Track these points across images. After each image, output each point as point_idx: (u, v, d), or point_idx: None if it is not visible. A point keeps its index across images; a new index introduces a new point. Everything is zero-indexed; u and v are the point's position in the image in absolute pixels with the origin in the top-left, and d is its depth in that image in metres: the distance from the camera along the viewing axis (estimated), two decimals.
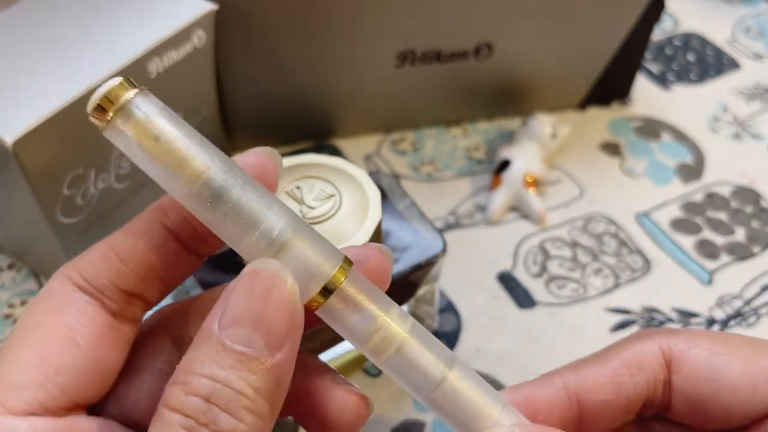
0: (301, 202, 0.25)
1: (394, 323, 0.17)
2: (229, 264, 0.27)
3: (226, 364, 0.15)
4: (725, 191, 0.40)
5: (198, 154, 0.16)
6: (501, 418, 0.17)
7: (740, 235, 0.38)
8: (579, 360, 0.21)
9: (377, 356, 0.17)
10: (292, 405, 0.18)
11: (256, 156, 0.18)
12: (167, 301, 0.20)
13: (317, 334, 0.27)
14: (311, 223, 0.25)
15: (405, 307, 0.30)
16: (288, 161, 0.27)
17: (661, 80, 0.47)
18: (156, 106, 0.16)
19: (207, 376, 0.15)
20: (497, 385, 0.31)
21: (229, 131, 0.39)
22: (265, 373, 0.15)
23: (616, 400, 0.20)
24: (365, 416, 0.18)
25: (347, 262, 0.17)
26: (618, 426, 0.20)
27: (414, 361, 0.17)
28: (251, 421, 0.15)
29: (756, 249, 0.37)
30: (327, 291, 0.16)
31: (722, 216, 0.38)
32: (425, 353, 0.17)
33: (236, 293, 0.15)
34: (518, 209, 0.38)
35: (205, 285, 0.26)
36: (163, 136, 0.16)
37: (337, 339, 0.28)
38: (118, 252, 0.17)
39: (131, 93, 0.16)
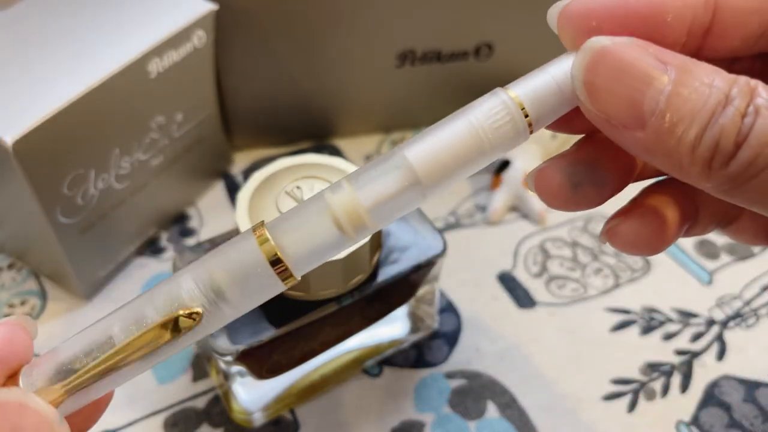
0: (301, 202, 0.25)
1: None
2: None
3: None
4: None
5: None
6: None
7: None
8: None
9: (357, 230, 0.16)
10: None
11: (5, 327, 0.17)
12: None
13: (317, 334, 0.27)
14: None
15: (405, 307, 0.30)
16: (288, 161, 0.27)
17: None
18: None
19: None
20: (497, 385, 0.31)
21: (229, 131, 0.39)
22: None
23: (760, 6, 0.17)
24: None
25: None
26: (748, 46, 0.18)
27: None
28: None
29: (756, 249, 0.37)
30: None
31: None
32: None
33: None
34: (518, 209, 0.38)
35: None
36: None
37: (337, 339, 0.28)
38: None
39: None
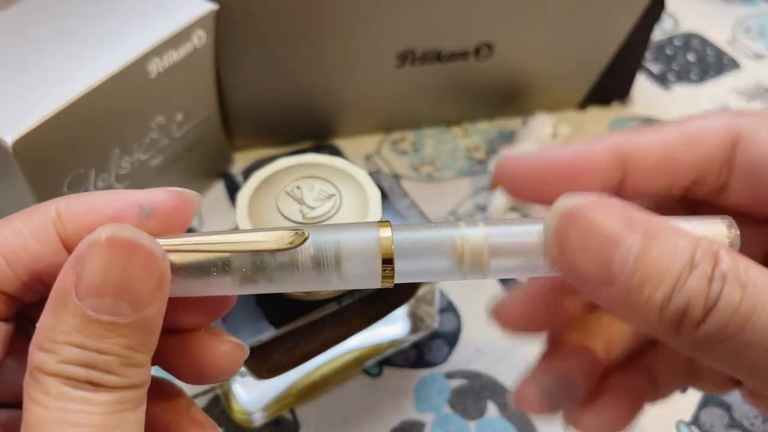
0: (301, 202, 0.25)
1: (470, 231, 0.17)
2: None
3: (95, 334, 0.15)
4: None
5: None
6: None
7: None
8: (637, 127, 0.20)
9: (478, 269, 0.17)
10: (166, 357, 0.19)
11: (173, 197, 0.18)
12: None
13: (317, 334, 0.27)
14: (311, 223, 0.25)
15: (405, 307, 0.30)
16: (288, 161, 0.27)
17: (662, 80, 0.47)
18: None
19: (78, 346, 0.15)
20: (497, 385, 0.31)
21: (229, 131, 0.39)
22: (134, 330, 0.15)
23: (665, 164, 0.19)
24: (240, 360, 0.19)
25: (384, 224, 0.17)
26: (659, 197, 0.20)
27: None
28: (133, 373, 0.15)
29: None
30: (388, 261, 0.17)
31: None
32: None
33: (92, 263, 0.15)
34: (518, 209, 0.38)
35: None
36: None
37: (337, 339, 0.28)
38: (4, 252, 0.16)
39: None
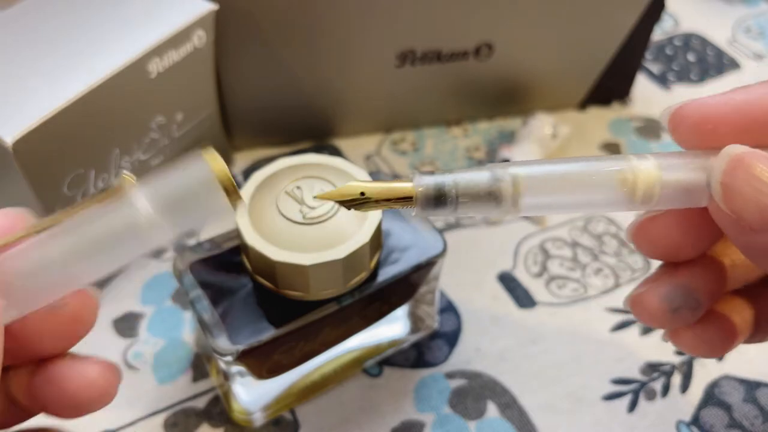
0: (301, 202, 0.25)
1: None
2: (230, 264, 0.27)
3: None
4: None
5: None
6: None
7: None
8: None
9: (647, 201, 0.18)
10: (36, 394, 0.18)
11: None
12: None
13: (317, 334, 0.27)
14: (311, 224, 0.25)
15: (405, 307, 0.30)
16: (288, 161, 0.27)
17: (662, 80, 0.47)
18: None
19: None
20: (497, 385, 0.31)
21: (229, 131, 0.39)
22: None
23: None
24: (114, 382, 0.18)
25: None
26: None
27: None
28: None
29: None
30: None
31: None
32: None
33: None
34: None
35: (206, 285, 0.26)
36: None
37: (337, 339, 0.28)
38: None
39: None
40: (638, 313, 0.21)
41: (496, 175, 0.18)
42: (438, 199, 0.18)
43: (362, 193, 0.18)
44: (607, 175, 0.18)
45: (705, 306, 0.21)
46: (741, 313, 0.22)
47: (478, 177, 0.18)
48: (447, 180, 0.18)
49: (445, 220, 0.38)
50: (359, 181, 0.18)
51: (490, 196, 0.18)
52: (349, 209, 0.18)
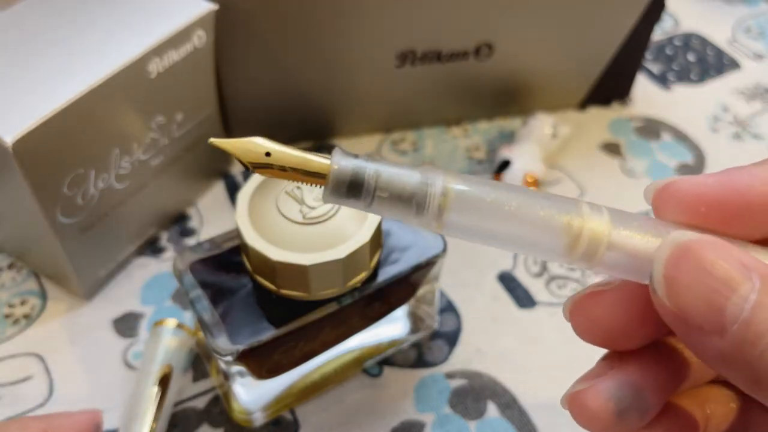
0: (301, 202, 0.25)
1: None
2: (230, 264, 0.27)
3: None
4: None
5: None
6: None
7: None
8: None
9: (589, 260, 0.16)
10: None
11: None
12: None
13: (317, 334, 0.27)
14: (311, 224, 0.25)
15: (405, 307, 0.30)
16: None
17: (662, 80, 0.47)
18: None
19: None
20: (497, 385, 0.31)
21: (229, 131, 0.39)
22: None
23: None
24: None
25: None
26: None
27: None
28: None
29: None
30: None
31: None
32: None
33: None
34: None
35: (206, 285, 0.26)
36: None
37: (337, 339, 0.28)
38: None
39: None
40: (577, 414, 0.17)
41: (427, 179, 0.16)
42: (352, 185, 0.16)
43: (267, 154, 0.16)
44: (550, 216, 0.16)
45: (657, 408, 0.18)
46: (713, 406, 0.19)
47: (406, 175, 0.16)
48: (368, 167, 0.16)
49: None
50: (268, 141, 0.16)
51: (412, 200, 0.16)
52: (250, 171, 0.16)
